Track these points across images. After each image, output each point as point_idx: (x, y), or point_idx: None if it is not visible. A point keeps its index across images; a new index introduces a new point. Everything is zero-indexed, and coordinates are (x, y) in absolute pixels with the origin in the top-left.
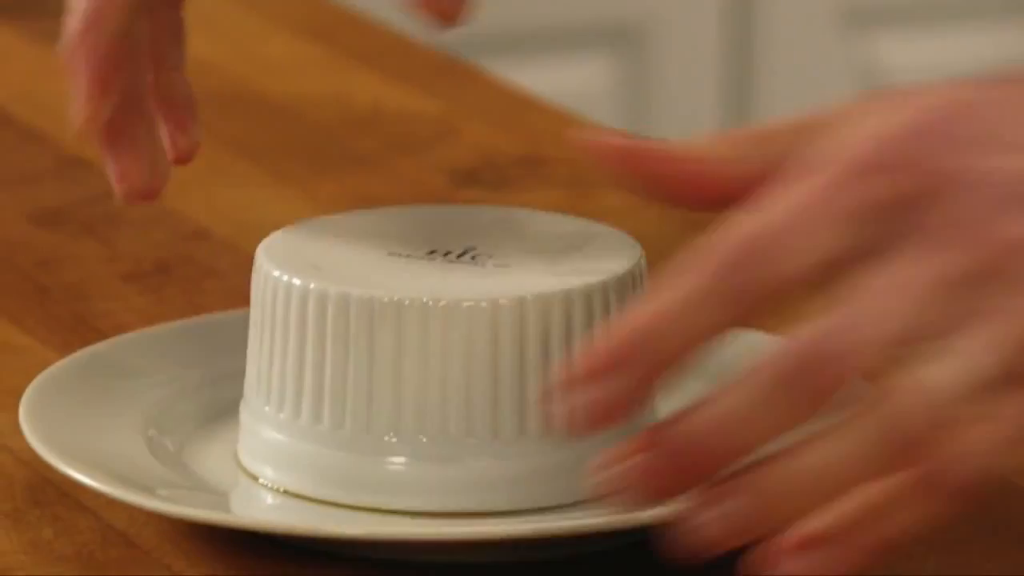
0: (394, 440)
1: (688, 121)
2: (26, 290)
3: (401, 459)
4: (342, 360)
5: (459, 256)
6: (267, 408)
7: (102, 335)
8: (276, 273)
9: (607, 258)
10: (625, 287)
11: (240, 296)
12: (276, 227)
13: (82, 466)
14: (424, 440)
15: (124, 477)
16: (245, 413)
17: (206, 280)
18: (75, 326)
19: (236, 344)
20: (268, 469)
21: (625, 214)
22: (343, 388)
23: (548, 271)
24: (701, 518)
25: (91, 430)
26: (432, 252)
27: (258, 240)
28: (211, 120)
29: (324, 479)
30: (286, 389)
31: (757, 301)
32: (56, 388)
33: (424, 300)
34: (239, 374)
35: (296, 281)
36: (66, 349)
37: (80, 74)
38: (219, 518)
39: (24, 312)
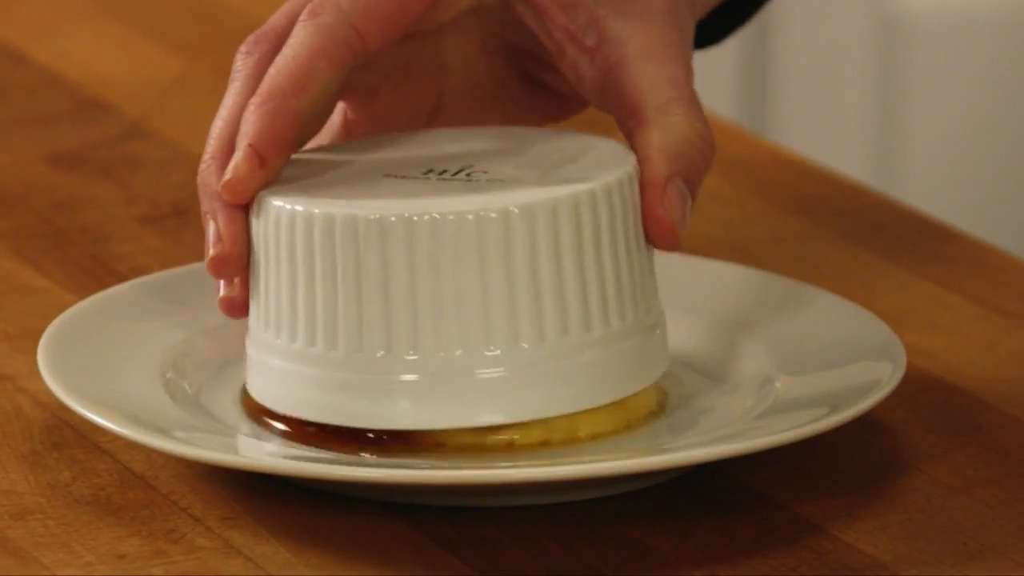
0: (387, 358)
1: (705, 74)
2: (43, 233)
3: (395, 376)
4: (331, 281)
5: (454, 174)
6: (266, 334)
7: (119, 277)
8: (267, 198)
9: (599, 168)
10: (613, 195)
11: None
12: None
13: (100, 408)
14: (416, 356)
15: (142, 419)
16: (249, 345)
17: None
18: (92, 268)
19: None
20: (272, 397)
21: None
22: (334, 309)
23: (539, 183)
24: None
25: (109, 372)
26: (428, 172)
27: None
28: (227, 62)
29: (325, 402)
30: (282, 314)
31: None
32: (74, 331)
33: (408, 216)
34: None
35: (285, 205)
36: (83, 292)
37: (257, 134)
38: (236, 460)
39: (41, 255)
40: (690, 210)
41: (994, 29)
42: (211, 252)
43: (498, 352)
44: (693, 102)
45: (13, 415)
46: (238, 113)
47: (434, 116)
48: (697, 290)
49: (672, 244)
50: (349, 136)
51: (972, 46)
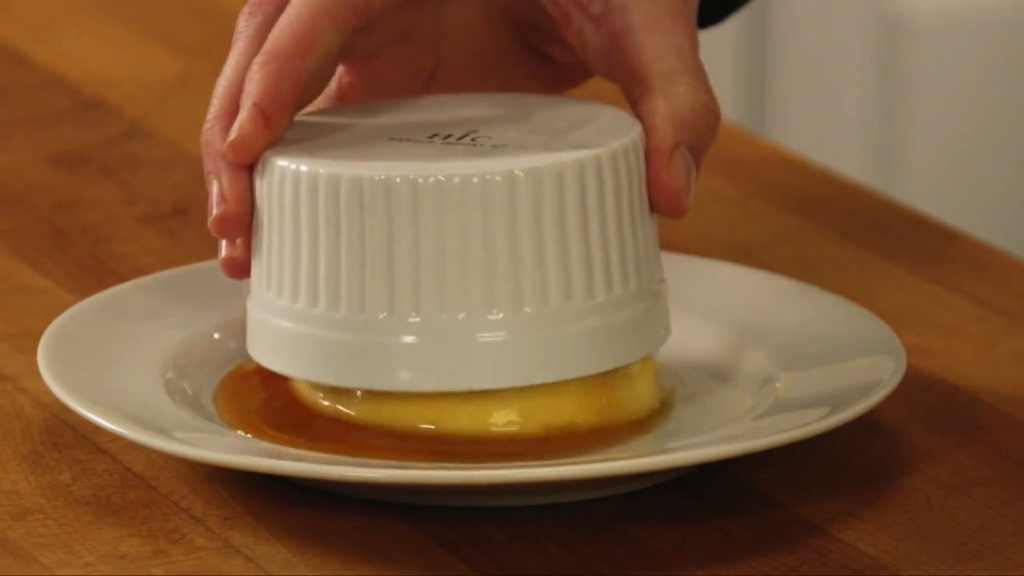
0: (389, 319)
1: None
2: (43, 233)
3: (397, 338)
4: (335, 241)
5: (459, 139)
6: (268, 294)
7: (120, 278)
8: (272, 158)
9: (604, 135)
10: (618, 161)
11: None
12: None
13: (100, 409)
14: (418, 319)
15: (142, 420)
16: (250, 305)
17: None
18: (93, 269)
19: None
20: (271, 357)
21: None
22: (337, 270)
23: (544, 148)
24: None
25: (109, 373)
26: (433, 136)
27: None
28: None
29: (325, 363)
30: (284, 274)
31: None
32: (74, 331)
33: (413, 178)
34: None
35: (290, 165)
36: (83, 292)
37: (261, 93)
38: (236, 460)
39: (42, 255)
40: (695, 180)
41: (994, 29)
42: (215, 211)
43: (500, 316)
44: (699, 72)
45: (13, 415)
46: (242, 74)
47: (430, 83)
48: (697, 290)
49: (678, 211)
50: (343, 101)
51: (972, 46)
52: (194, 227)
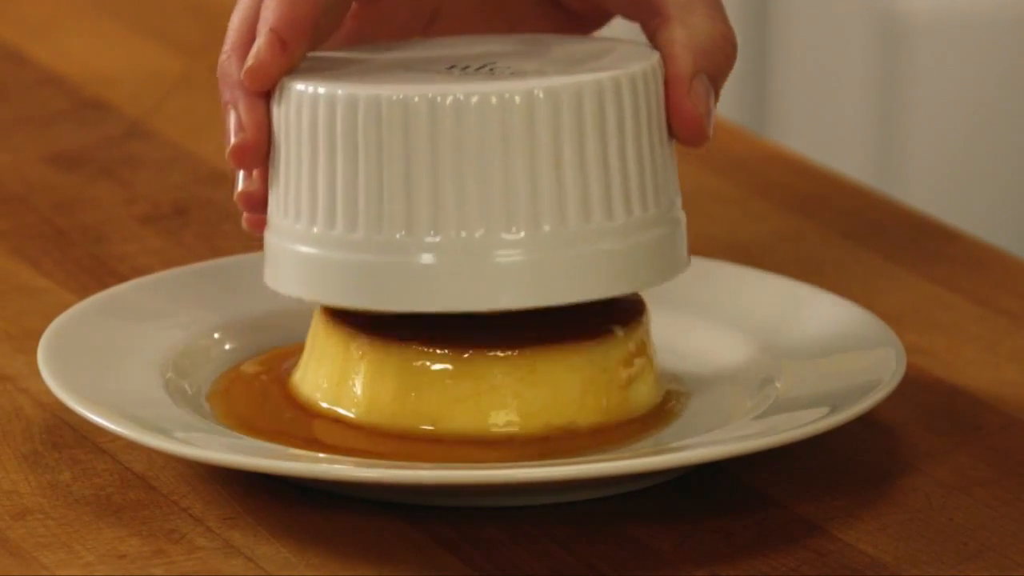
0: (407, 239)
1: None
2: (44, 233)
3: (415, 258)
4: (352, 162)
5: (478, 69)
6: (285, 220)
7: (120, 278)
8: (289, 83)
9: (622, 62)
10: (638, 84)
11: (258, 239)
12: None
13: (100, 409)
14: (437, 238)
15: (142, 420)
16: (268, 236)
17: (224, 223)
18: (93, 269)
19: (254, 287)
20: (294, 285)
21: None
22: (354, 191)
23: (562, 73)
24: None
25: (109, 373)
26: (451, 67)
27: None
28: None
29: (344, 286)
30: (302, 198)
31: None
32: (74, 331)
33: (431, 97)
34: (257, 317)
35: (308, 88)
36: (84, 292)
37: (278, 19)
38: (236, 460)
39: (42, 255)
40: (714, 108)
41: (994, 29)
42: (233, 141)
43: (519, 235)
44: (715, 3)
45: (13, 415)
46: (256, 7)
47: (431, 24)
48: (698, 290)
49: (700, 137)
50: (346, 42)
51: (972, 46)
52: (194, 227)
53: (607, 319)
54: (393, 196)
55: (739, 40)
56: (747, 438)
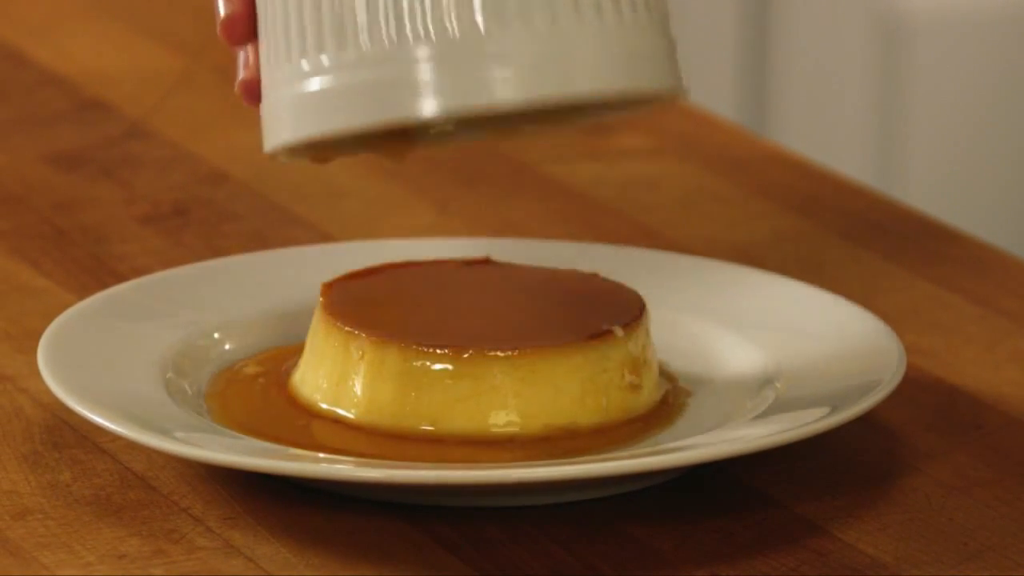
0: (400, 45)
1: (705, 74)
2: (44, 233)
3: (411, 62)
4: None
5: None
6: (277, 71)
7: (120, 278)
8: None
9: None
10: None
11: (258, 239)
12: (294, 171)
13: (100, 409)
14: (432, 38)
15: (142, 420)
16: (264, 101)
17: (224, 223)
18: (93, 269)
19: (255, 287)
20: (301, 125)
21: (643, 157)
22: (340, 7)
23: None
24: None
25: (109, 373)
26: None
27: (276, 183)
28: (228, 62)
29: (347, 108)
30: (291, 34)
31: None
32: (74, 331)
33: None
34: (257, 317)
35: None
36: (84, 292)
37: None
38: (237, 460)
39: (42, 255)
40: None
41: (994, 29)
42: (221, 15)
43: (511, 28)
44: None
45: (13, 415)
46: None
47: None
48: (697, 290)
49: None
50: None
51: (972, 46)
52: (194, 227)
53: (607, 319)
54: (382, 4)
55: (739, 40)
56: (747, 438)
